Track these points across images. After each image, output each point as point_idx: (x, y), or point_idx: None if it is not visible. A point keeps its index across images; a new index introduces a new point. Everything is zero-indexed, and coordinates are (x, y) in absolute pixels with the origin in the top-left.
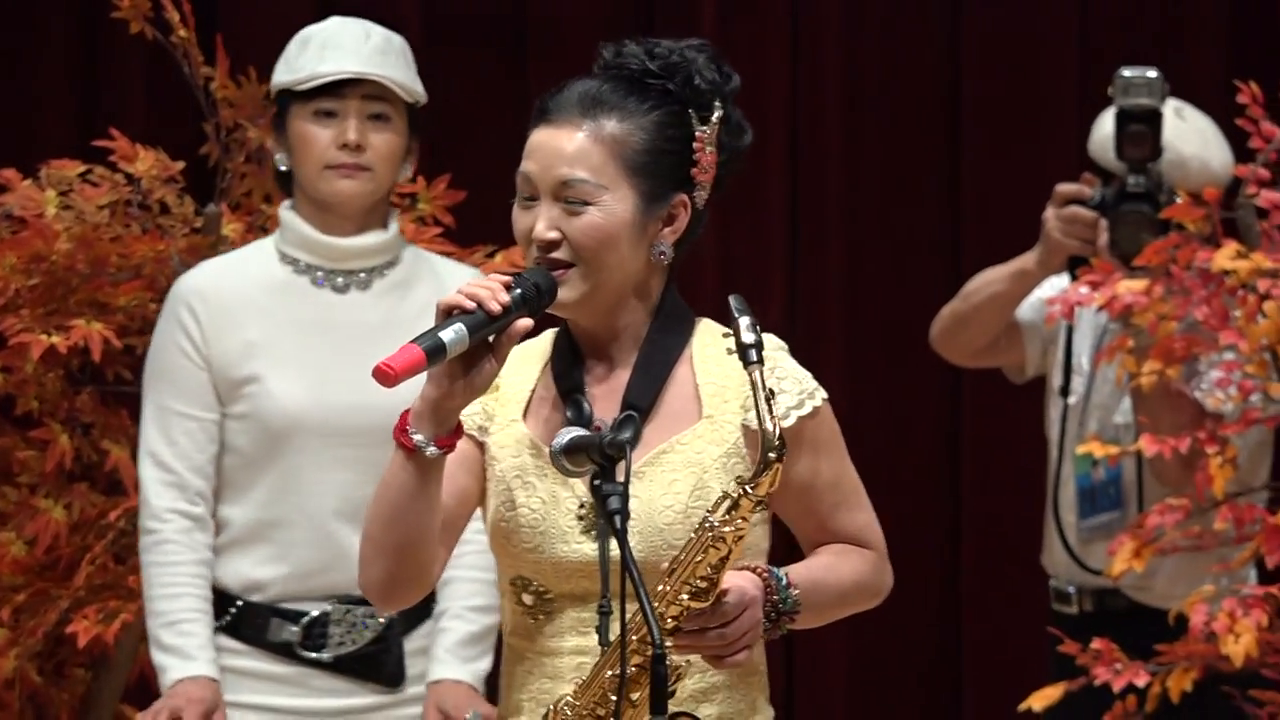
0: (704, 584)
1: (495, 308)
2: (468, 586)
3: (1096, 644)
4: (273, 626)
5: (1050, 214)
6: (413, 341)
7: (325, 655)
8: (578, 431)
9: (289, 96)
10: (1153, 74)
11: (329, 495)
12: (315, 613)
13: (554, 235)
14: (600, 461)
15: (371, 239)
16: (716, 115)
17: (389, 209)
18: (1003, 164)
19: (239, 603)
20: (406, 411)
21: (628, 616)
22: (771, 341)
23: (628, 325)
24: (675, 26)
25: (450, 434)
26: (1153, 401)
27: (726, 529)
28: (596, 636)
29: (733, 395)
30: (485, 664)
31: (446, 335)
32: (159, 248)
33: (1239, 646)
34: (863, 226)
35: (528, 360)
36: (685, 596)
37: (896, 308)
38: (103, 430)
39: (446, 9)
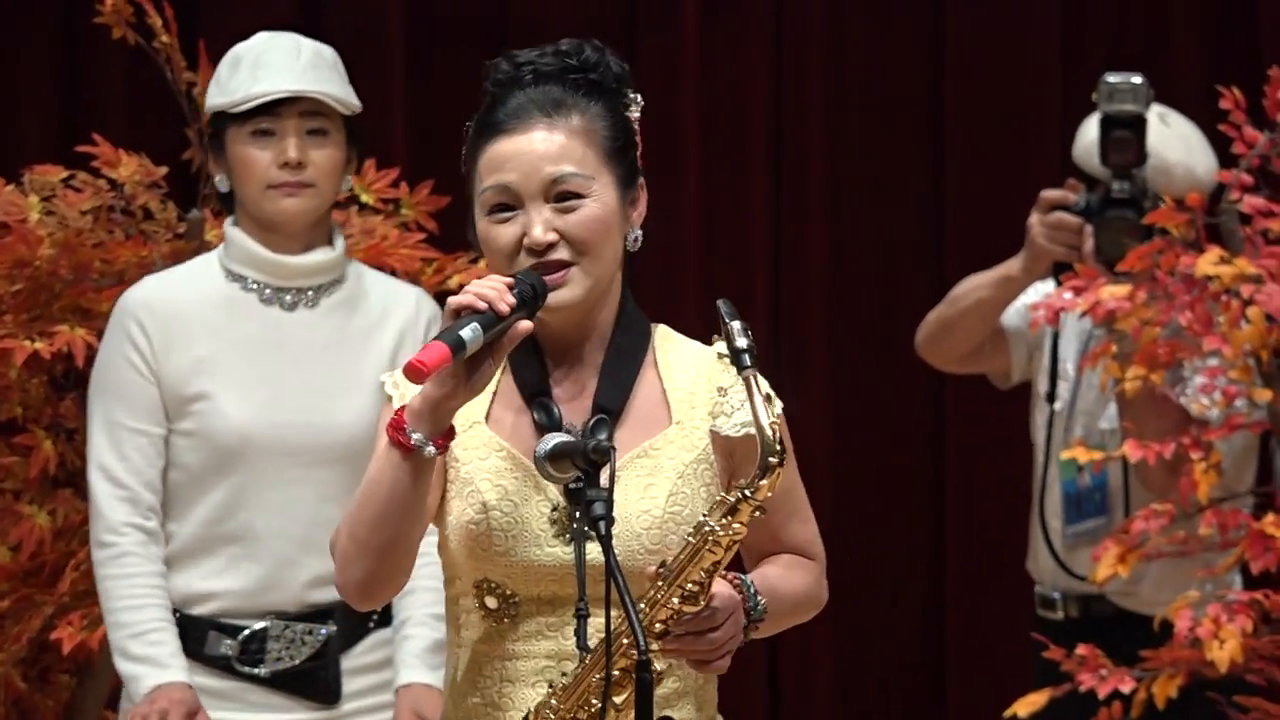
0: (695, 588)
1: (504, 308)
2: (429, 595)
3: (1081, 650)
4: (210, 640)
5: (1035, 219)
6: (436, 339)
7: (262, 670)
8: (562, 437)
9: (225, 119)
10: (1137, 80)
11: (276, 513)
12: (255, 628)
13: (553, 237)
14: (584, 467)
15: (319, 256)
16: (639, 101)
17: (332, 224)
18: (987, 169)
19: (177, 615)
20: (400, 411)
21: (610, 621)
22: (723, 349)
23: (597, 324)
24: (657, 26)
25: (445, 434)
26: (1137, 407)
27: (724, 534)
28: (563, 641)
29: (700, 401)
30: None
31: (465, 333)
32: (142, 253)
33: (1224, 652)
34: (846, 232)
35: None
36: (676, 600)
37: (881, 313)
38: (86, 436)
39: (430, 11)
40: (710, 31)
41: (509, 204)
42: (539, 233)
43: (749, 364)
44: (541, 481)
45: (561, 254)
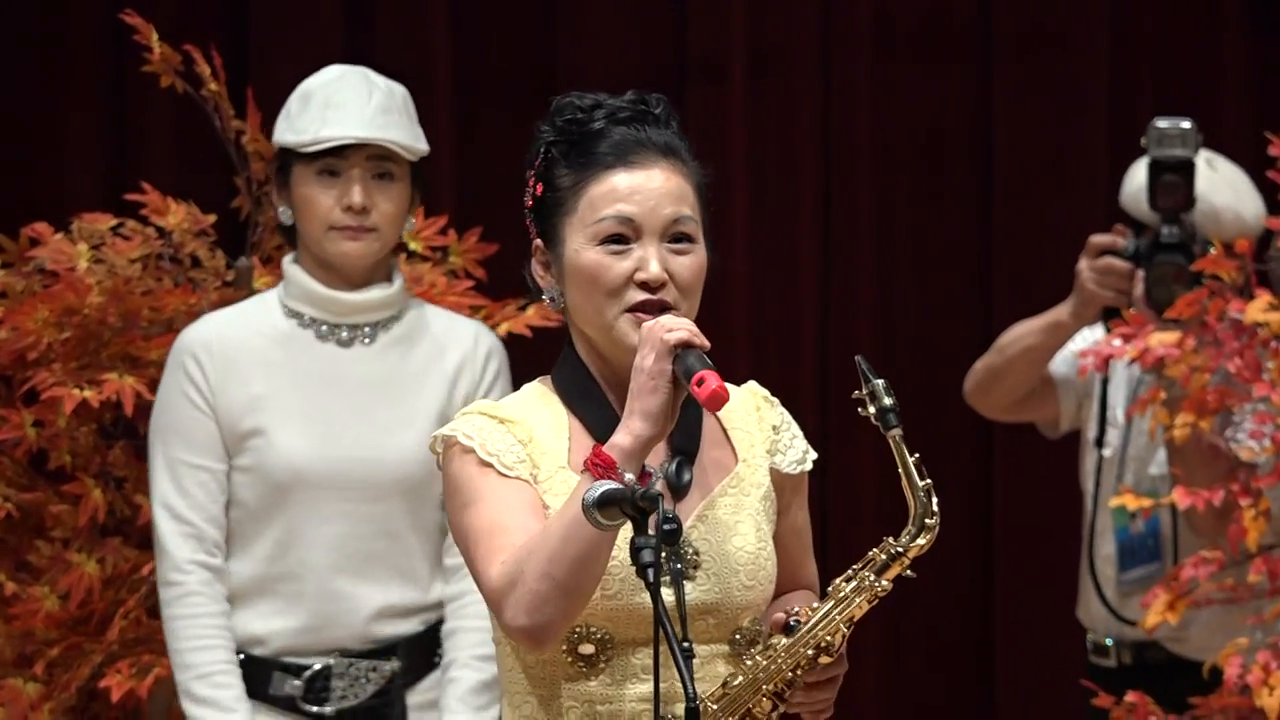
0: (832, 640)
1: (707, 343)
2: (474, 636)
3: (1131, 697)
4: (275, 680)
5: (1084, 265)
6: (708, 369)
7: (328, 709)
8: (609, 485)
9: (291, 154)
10: (1186, 125)
11: (332, 549)
12: (318, 666)
13: (667, 276)
14: (632, 515)
15: (376, 294)
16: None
17: (392, 262)
18: (1035, 215)
19: (241, 656)
20: (600, 450)
21: (659, 666)
22: (760, 390)
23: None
24: (706, 76)
25: (643, 473)
26: (1186, 454)
27: (878, 589)
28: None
29: (758, 440)
30: (494, 713)
31: (706, 360)
32: (190, 301)
33: (1273, 699)
34: (894, 279)
35: (544, 407)
36: (811, 651)
37: (928, 360)
38: (135, 484)
39: (477, 60)
40: (759, 81)
41: (626, 236)
42: (656, 269)
43: (895, 423)
44: (639, 524)
45: (668, 295)
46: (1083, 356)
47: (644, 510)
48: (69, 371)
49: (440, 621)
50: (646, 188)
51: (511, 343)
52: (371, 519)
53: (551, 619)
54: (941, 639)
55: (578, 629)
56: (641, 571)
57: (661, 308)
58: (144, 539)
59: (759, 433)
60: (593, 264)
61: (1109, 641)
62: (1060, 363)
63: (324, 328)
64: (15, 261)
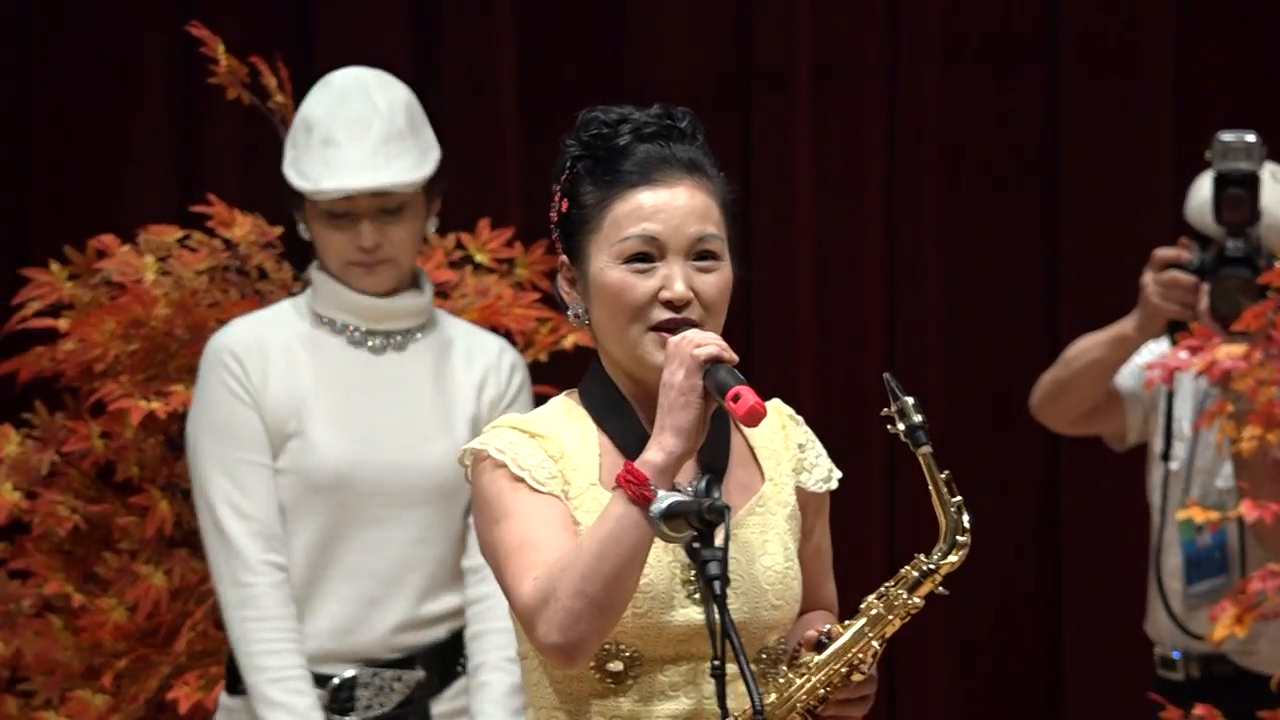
0: (864, 658)
1: (735, 359)
2: (502, 638)
3: (1199, 710)
4: None
5: (1149, 279)
6: (742, 384)
7: (353, 719)
8: (676, 497)
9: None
10: (1251, 138)
11: (366, 553)
12: (343, 676)
13: (692, 295)
14: (699, 527)
15: (409, 301)
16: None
17: (418, 270)
18: (1101, 228)
19: None
20: (632, 467)
21: (724, 681)
22: (785, 408)
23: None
24: (771, 85)
25: (673, 489)
26: (1253, 467)
27: (910, 607)
28: (685, 700)
29: (784, 458)
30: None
31: (740, 378)
32: None
33: None
34: (961, 292)
35: (572, 422)
36: (844, 669)
37: (995, 374)
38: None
39: (543, 72)
40: (824, 90)
41: (650, 255)
42: (681, 288)
43: (925, 441)
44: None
45: (693, 313)
46: (1149, 370)
47: (710, 523)
48: (136, 383)
49: (463, 628)
50: (671, 206)
51: (578, 356)
52: (406, 525)
53: (585, 636)
54: (1010, 653)
55: (607, 646)
56: (709, 584)
57: (688, 325)
58: None
59: (785, 451)
60: (617, 282)
61: (1176, 655)
62: (1126, 376)
63: (356, 333)
64: (82, 273)
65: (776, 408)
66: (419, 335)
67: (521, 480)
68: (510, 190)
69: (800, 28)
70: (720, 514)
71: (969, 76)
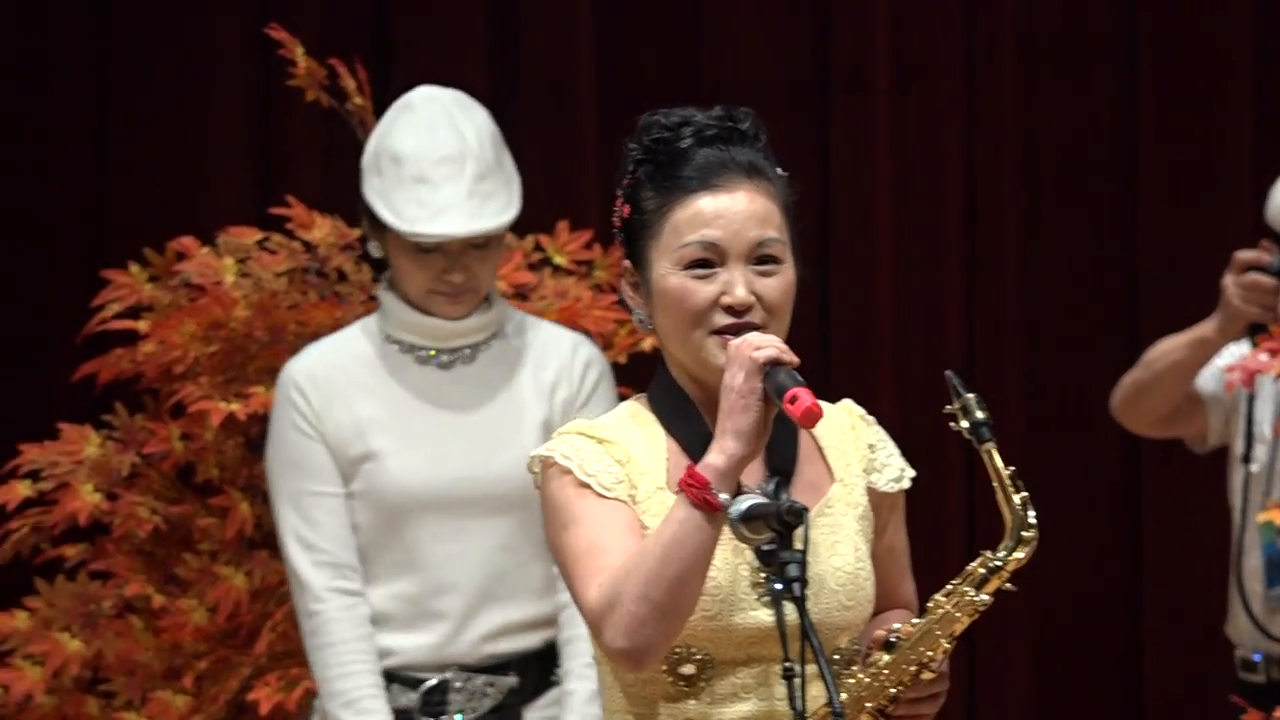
0: (934, 656)
1: (796, 360)
2: (585, 644)
3: None
4: (393, 693)
5: (1229, 281)
6: (800, 386)
7: None
8: (755, 499)
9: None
10: None
11: (449, 567)
12: (435, 680)
13: (754, 299)
14: (778, 529)
15: (475, 320)
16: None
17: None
18: (1181, 231)
19: None
20: (694, 471)
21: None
22: (857, 408)
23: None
24: (850, 88)
25: (737, 491)
26: None
27: (972, 604)
28: (758, 702)
29: (854, 459)
30: None
31: (796, 376)
32: (336, 315)
33: None
34: (1040, 295)
35: (640, 427)
36: (914, 667)
37: (1075, 376)
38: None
39: (622, 73)
40: (903, 93)
41: (711, 261)
42: (742, 293)
43: (989, 437)
44: (739, 544)
45: (755, 317)
46: (1229, 372)
47: (789, 524)
48: (215, 385)
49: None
50: (730, 211)
51: (657, 358)
52: (487, 535)
53: (651, 640)
54: (1089, 655)
55: (678, 650)
56: (789, 586)
57: (749, 330)
58: None
59: (855, 451)
60: (678, 289)
61: (1258, 657)
62: (1207, 378)
63: (423, 352)
64: (162, 275)
65: (847, 408)
66: (489, 345)
67: (588, 486)
68: (589, 192)
69: (879, 29)
70: (799, 516)
71: (1046, 77)
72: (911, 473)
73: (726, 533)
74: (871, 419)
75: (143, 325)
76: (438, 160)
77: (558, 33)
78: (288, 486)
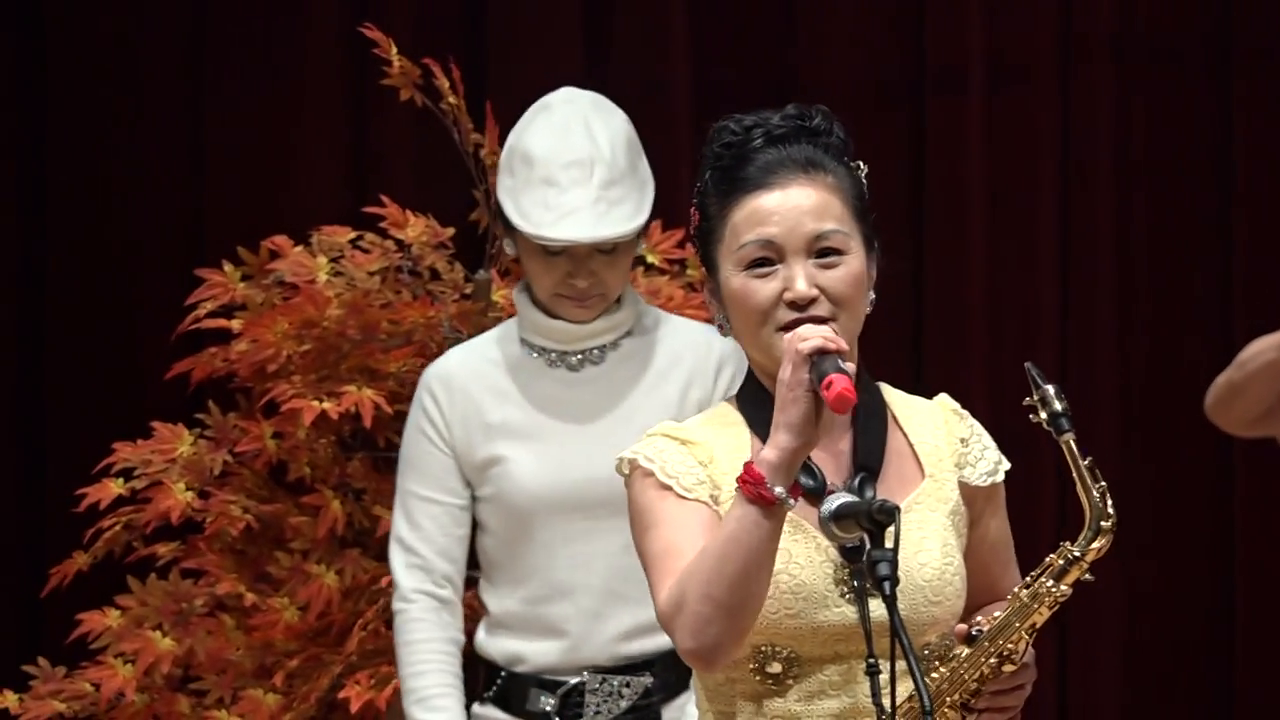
0: (1014, 648)
1: (846, 346)
2: None
3: None
4: (531, 696)
5: None
6: (833, 374)
7: None
8: (846, 498)
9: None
10: None
11: (579, 569)
12: (572, 682)
13: (815, 292)
14: (869, 528)
15: (602, 323)
16: (864, 169)
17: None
18: (1276, 228)
19: (503, 674)
20: (752, 466)
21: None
22: (950, 403)
23: None
24: (945, 87)
25: (794, 486)
26: None
27: (1056, 595)
28: (846, 699)
29: (945, 454)
30: None
31: (843, 365)
32: (429, 314)
33: None
34: (1133, 293)
35: (726, 428)
36: (994, 660)
37: (1168, 374)
38: (374, 496)
39: (716, 73)
40: (998, 92)
41: (770, 259)
42: (802, 287)
43: (1068, 428)
44: (821, 541)
45: (821, 310)
46: None
47: (880, 523)
48: (308, 384)
49: None
50: (785, 208)
51: None
52: (613, 537)
53: (718, 640)
54: (1182, 654)
55: (764, 648)
56: (879, 585)
57: (817, 323)
58: (382, 551)
59: (946, 446)
60: (741, 289)
61: None
62: None
63: (552, 355)
64: (255, 274)
65: (941, 403)
66: (619, 345)
67: (669, 488)
68: (682, 192)
69: (973, 27)
70: (890, 514)
71: (1141, 76)
72: (1006, 465)
73: (812, 530)
74: (965, 413)
75: (236, 324)
76: (567, 164)
77: (653, 32)
78: (403, 486)
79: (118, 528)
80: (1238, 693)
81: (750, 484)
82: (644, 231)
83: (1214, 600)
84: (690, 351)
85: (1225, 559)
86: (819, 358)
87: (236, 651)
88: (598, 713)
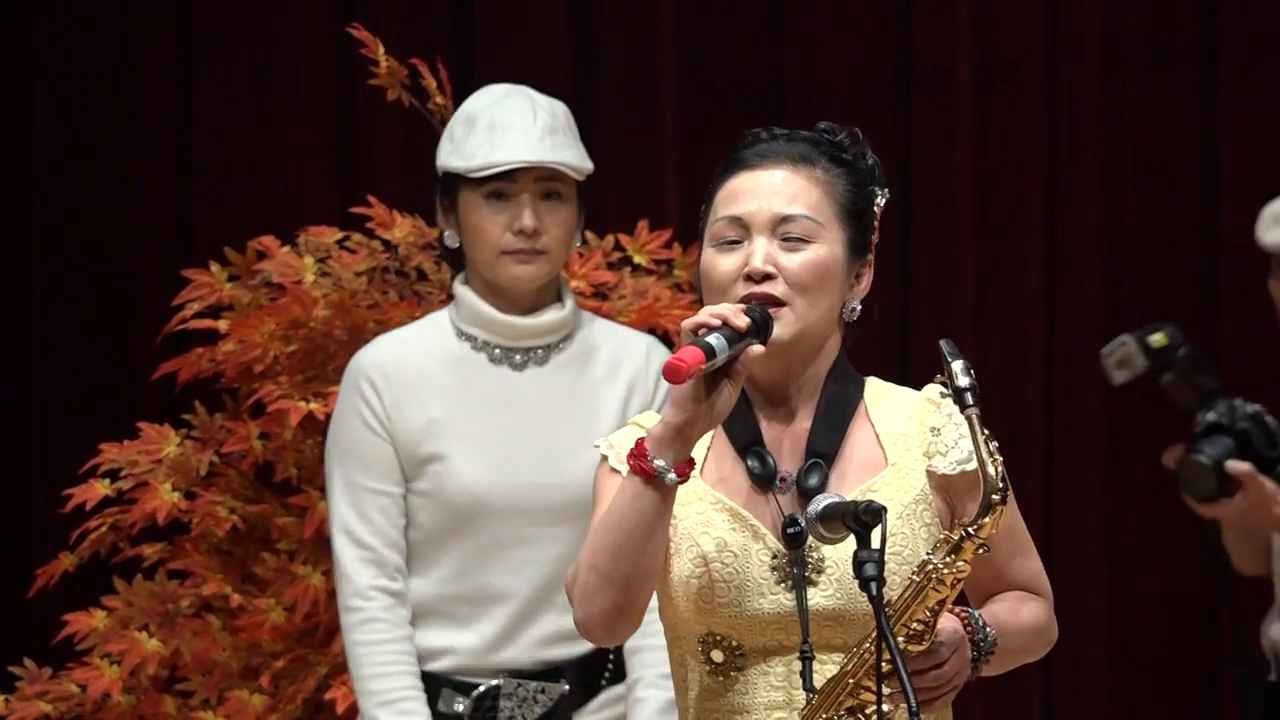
0: (920, 627)
1: (741, 324)
2: (659, 654)
3: None
4: (444, 697)
5: None
6: (689, 345)
7: None
8: (832, 498)
9: (457, 179)
10: (1125, 340)
11: (512, 572)
12: (486, 686)
13: (771, 268)
14: (855, 528)
15: (550, 317)
16: (886, 194)
17: (562, 281)
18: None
19: None
20: (641, 440)
21: (881, 681)
22: (932, 392)
23: (809, 378)
24: (931, 89)
25: (687, 463)
26: None
27: (948, 572)
28: (791, 690)
29: (914, 443)
30: None
31: (713, 339)
32: (415, 314)
33: None
34: (1121, 295)
35: None
36: (901, 640)
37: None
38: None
39: (703, 73)
40: (984, 94)
41: (737, 237)
42: (758, 262)
43: (971, 403)
44: (761, 530)
45: (777, 289)
46: None
47: (867, 524)
48: (295, 384)
49: None
50: (759, 187)
51: None
52: (552, 541)
53: (603, 610)
54: (1170, 653)
55: (707, 636)
56: (865, 586)
57: (769, 300)
58: None
59: (916, 435)
60: (707, 263)
61: None
62: None
63: (496, 351)
64: (242, 274)
65: (925, 393)
66: (562, 347)
67: (617, 471)
68: (669, 192)
69: (960, 28)
70: (877, 515)
71: (1129, 76)
72: (991, 456)
73: (750, 519)
74: (945, 402)
75: (223, 324)
76: (509, 110)
77: (639, 32)
78: (345, 476)
79: (104, 528)
80: (1226, 686)
81: (633, 456)
82: (582, 207)
83: (1202, 596)
84: (630, 359)
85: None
86: (703, 332)
87: (223, 652)
88: (511, 717)
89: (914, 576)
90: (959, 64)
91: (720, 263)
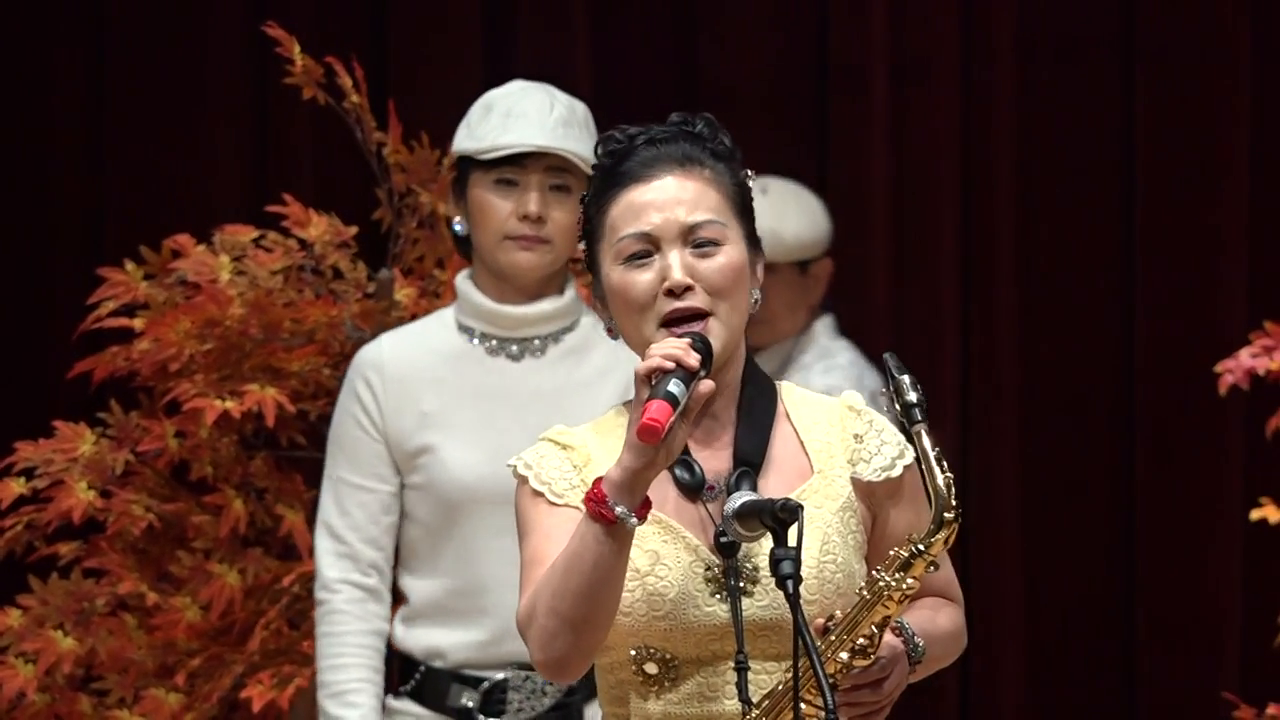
0: (865, 642)
1: (693, 362)
2: None
3: (1272, 709)
4: (453, 692)
5: None
6: (650, 399)
7: None
8: (749, 496)
9: (470, 163)
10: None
11: (508, 564)
12: (495, 679)
13: (691, 280)
14: (772, 525)
15: (546, 306)
16: (751, 175)
17: (567, 275)
18: (1178, 224)
19: (422, 668)
20: (598, 483)
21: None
22: (855, 397)
23: (728, 382)
24: (847, 90)
25: (644, 505)
26: None
27: (897, 589)
28: (725, 701)
29: (838, 450)
30: None
31: (673, 388)
32: (332, 313)
33: None
34: (1035, 295)
35: (612, 431)
36: (845, 655)
37: (1071, 375)
38: (276, 495)
39: (617, 75)
40: (900, 96)
41: (647, 251)
42: (678, 275)
43: (920, 418)
44: (693, 541)
45: (698, 300)
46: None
47: (783, 521)
48: (211, 383)
49: None
50: (659, 199)
51: None
52: None
53: (564, 653)
54: (1083, 656)
55: (639, 650)
56: (781, 583)
57: (694, 314)
58: (285, 550)
59: (840, 443)
60: (620, 282)
61: None
62: None
63: (494, 343)
64: (157, 273)
65: (842, 400)
66: (561, 339)
67: (541, 494)
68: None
69: (876, 27)
70: (794, 512)
71: (1043, 74)
72: (906, 461)
73: (682, 531)
74: (863, 409)
75: (138, 323)
76: (527, 100)
77: (554, 30)
78: (332, 471)
79: (19, 527)
80: (1139, 690)
81: (592, 501)
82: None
83: (1116, 599)
84: (622, 365)
85: (1126, 558)
86: (659, 377)
87: (138, 651)
88: (520, 710)
89: (863, 592)
90: (873, 65)
91: (636, 280)
